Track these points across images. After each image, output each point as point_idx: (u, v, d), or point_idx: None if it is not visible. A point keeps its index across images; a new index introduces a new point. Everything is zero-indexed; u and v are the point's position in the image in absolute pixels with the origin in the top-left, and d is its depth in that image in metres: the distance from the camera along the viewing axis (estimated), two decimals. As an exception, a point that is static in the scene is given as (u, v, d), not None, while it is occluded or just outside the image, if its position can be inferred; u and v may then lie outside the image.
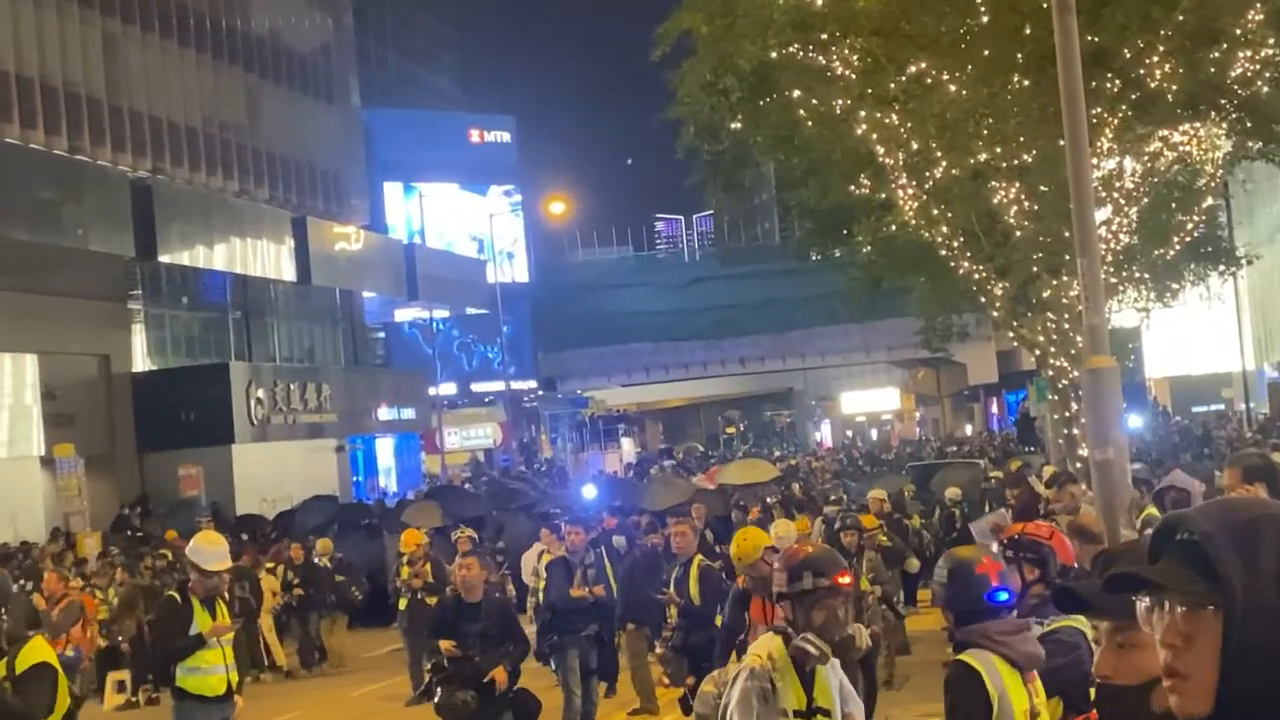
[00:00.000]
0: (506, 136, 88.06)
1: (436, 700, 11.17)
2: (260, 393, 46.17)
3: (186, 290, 49.36)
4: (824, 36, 25.19)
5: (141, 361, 46.64)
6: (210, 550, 13.37)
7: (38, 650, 7.58)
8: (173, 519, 36.33)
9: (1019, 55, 23.64)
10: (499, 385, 75.05)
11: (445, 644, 11.09)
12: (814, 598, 6.85)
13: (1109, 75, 23.40)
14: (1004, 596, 6.71)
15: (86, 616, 19.69)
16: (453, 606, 11.65)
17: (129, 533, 35.38)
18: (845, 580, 7.28)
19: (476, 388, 77.12)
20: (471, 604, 11.35)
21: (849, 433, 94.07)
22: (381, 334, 69.85)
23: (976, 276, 27.79)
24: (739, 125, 27.65)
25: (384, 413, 56.84)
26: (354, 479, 54.76)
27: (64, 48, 43.57)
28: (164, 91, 48.30)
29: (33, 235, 38.06)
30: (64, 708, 7.62)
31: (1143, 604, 2.61)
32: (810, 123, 26.70)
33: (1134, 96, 24.31)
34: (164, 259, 44.35)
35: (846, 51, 25.22)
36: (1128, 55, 23.72)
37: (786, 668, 6.75)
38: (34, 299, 40.13)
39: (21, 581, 24.07)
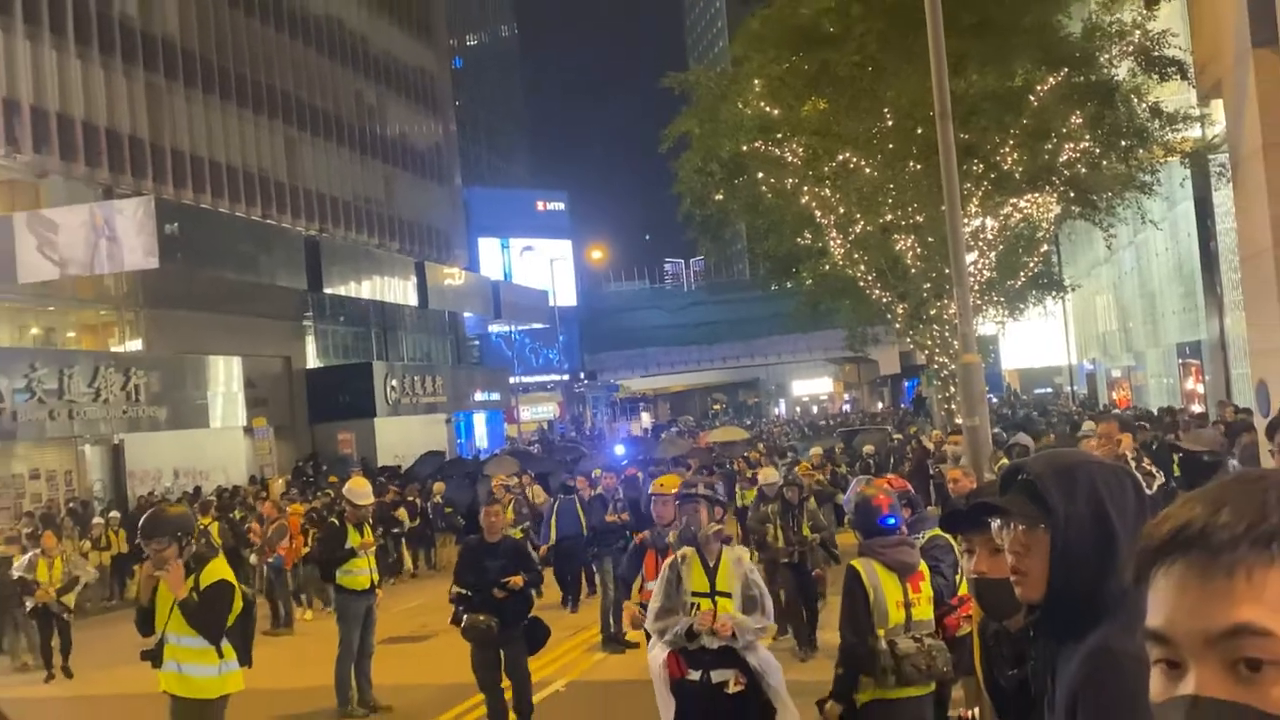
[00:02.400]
0: (561, 206, 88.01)
1: (462, 624, 9.80)
2: (393, 382, 46.19)
3: (343, 312, 49.44)
4: (779, 135, 25.21)
5: (312, 361, 46.73)
6: (360, 490, 13.47)
7: (217, 569, 7.55)
8: (334, 469, 36.44)
9: (913, 148, 23.61)
10: (557, 376, 75.21)
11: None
12: (681, 506, 7.04)
13: (975, 161, 23.36)
14: (892, 521, 6.78)
15: (291, 533, 19.65)
16: (477, 547, 10.29)
17: (304, 479, 35.47)
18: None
19: (542, 379, 77.14)
20: (491, 544, 10.12)
21: (797, 409, 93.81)
22: (476, 342, 69.82)
23: (885, 301, 27.77)
24: (721, 197, 27.64)
25: (478, 396, 56.77)
26: (458, 441, 54.75)
27: (258, 146, 43.81)
28: (327, 175, 48.52)
29: (238, 275, 38.22)
30: (238, 609, 7.57)
31: (995, 524, 2.63)
32: (770, 195, 26.70)
33: (993, 176, 24.28)
34: (327, 291, 44.43)
35: (795, 146, 25.22)
36: (988, 147, 23.71)
37: (693, 561, 6.76)
38: (239, 319, 40.30)
39: (234, 512, 24.22)
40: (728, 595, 6.69)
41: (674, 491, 8.24)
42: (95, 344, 37.38)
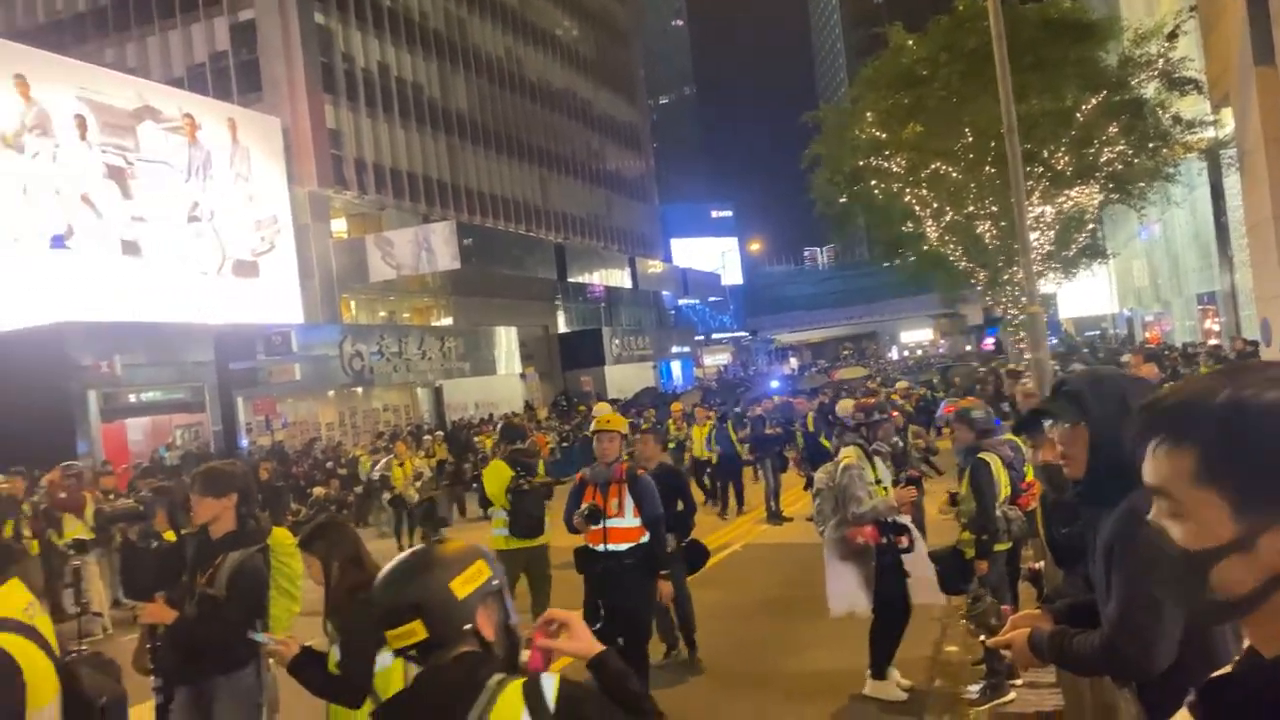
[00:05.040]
0: (729, 213, 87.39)
1: None
2: (616, 341, 46.75)
3: (581, 293, 50.26)
4: (887, 152, 24.48)
5: (563, 328, 47.63)
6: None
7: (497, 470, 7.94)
8: (579, 401, 37.13)
9: (988, 157, 22.62)
10: (729, 334, 74.81)
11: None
12: (875, 425, 6.70)
13: (1036, 164, 22.22)
14: (997, 423, 6.67)
15: (539, 444, 20.13)
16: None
17: (559, 408, 36.31)
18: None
19: (718, 336, 76.90)
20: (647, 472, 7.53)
21: (905, 352, 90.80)
22: (672, 311, 69.86)
23: (970, 269, 26.72)
24: (844, 199, 26.98)
25: (674, 349, 56.80)
26: (661, 381, 55.08)
27: (522, 182, 44.81)
28: (571, 201, 49.27)
29: (512, 271, 39.33)
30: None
31: (1049, 424, 2.58)
32: (880, 196, 25.95)
33: (1050, 175, 23.05)
34: (571, 280, 45.25)
35: (899, 159, 24.46)
36: (1045, 154, 22.51)
37: (863, 459, 6.49)
38: (513, 301, 41.45)
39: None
40: (880, 481, 6.56)
41: (622, 430, 6.33)
42: (421, 321, 39.11)
